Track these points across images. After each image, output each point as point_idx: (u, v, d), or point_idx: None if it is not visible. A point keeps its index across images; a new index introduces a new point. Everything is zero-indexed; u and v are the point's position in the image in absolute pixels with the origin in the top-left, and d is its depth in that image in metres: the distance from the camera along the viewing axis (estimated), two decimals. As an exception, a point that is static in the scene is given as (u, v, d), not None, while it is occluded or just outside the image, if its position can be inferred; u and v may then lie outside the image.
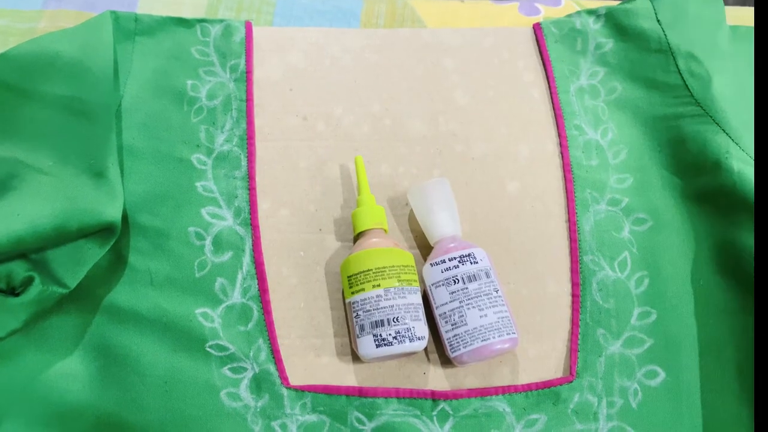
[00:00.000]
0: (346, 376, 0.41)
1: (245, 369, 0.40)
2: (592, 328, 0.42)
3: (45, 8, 0.53)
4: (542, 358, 0.42)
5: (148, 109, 0.46)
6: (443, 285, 0.40)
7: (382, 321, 0.38)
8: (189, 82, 0.48)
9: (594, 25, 0.51)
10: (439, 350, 0.42)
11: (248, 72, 0.49)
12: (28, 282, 0.38)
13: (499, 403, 0.40)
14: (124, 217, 0.42)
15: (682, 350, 0.42)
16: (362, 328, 0.39)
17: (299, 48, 0.51)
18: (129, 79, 0.47)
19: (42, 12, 0.53)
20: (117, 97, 0.46)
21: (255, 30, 0.51)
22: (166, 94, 0.47)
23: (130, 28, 0.49)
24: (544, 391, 0.40)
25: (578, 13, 0.52)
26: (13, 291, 0.38)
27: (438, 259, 0.41)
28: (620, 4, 0.51)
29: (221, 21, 0.50)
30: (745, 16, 0.55)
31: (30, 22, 0.52)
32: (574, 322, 0.42)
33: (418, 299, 0.40)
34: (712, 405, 0.40)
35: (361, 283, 0.39)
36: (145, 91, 0.47)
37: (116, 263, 0.42)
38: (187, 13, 0.53)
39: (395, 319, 0.38)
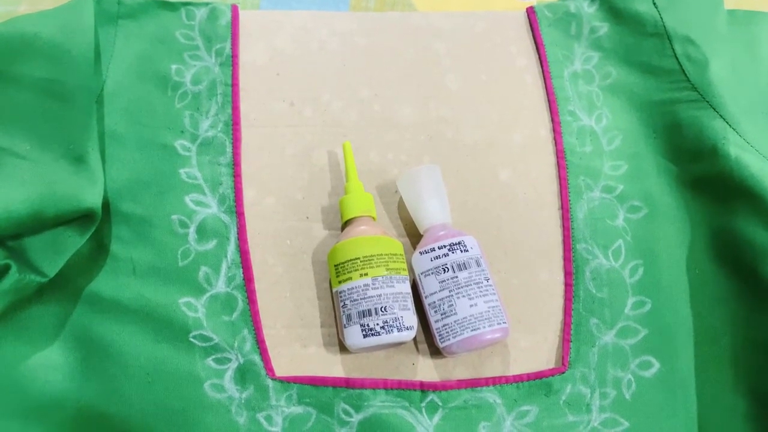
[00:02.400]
0: (333, 367, 0.40)
1: (229, 360, 0.39)
2: (585, 318, 0.41)
3: (26, -9, 0.52)
4: (534, 348, 0.41)
5: (131, 94, 0.45)
6: (432, 274, 0.39)
7: (369, 310, 0.37)
8: (173, 66, 0.47)
9: (588, 9, 0.50)
10: (429, 340, 0.41)
11: (234, 56, 0.47)
12: (4, 270, 0.37)
13: (490, 395, 0.39)
14: (106, 205, 0.42)
15: (677, 340, 0.41)
16: (349, 317, 0.38)
17: (286, 32, 0.50)
18: (111, 63, 0.46)
19: (23, -5, 0.52)
20: (98, 81, 0.45)
21: (241, 13, 0.50)
22: (150, 79, 0.46)
23: (113, 11, 0.47)
24: (536, 382, 0.39)
25: (573, -4, 0.51)
26: (-12, 280, 0.37)
27: (427, 248, 0.40)
28: (616, -14, 0.50)
29: (207, 4, 0.49)
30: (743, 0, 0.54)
31: (9, 5, 0.51)
32: (567, 312, 0.42)
33: (406, 288, 0.39)
34: (707, 396, 0.40)
35: (348, 272, 0.38)
36: (128, 75, 0.46)
37: (97, 252, 0.41)
38: (172, -4, 0.51)
39: (383, 309, 0.37)
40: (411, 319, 0.38)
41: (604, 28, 0.49)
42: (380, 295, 0.38)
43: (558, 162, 0.46)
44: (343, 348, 0.40)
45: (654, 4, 0.48)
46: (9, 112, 0.41)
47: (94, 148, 0.41)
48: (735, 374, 0.40)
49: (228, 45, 0.48)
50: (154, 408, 0.37)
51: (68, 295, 0.40)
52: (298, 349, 0.40)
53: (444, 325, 0.38)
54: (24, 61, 0.42)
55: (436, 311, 0.39)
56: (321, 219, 0.44)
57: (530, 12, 0.51)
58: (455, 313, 0.38)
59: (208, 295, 0.40)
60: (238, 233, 0.42)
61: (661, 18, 0.48)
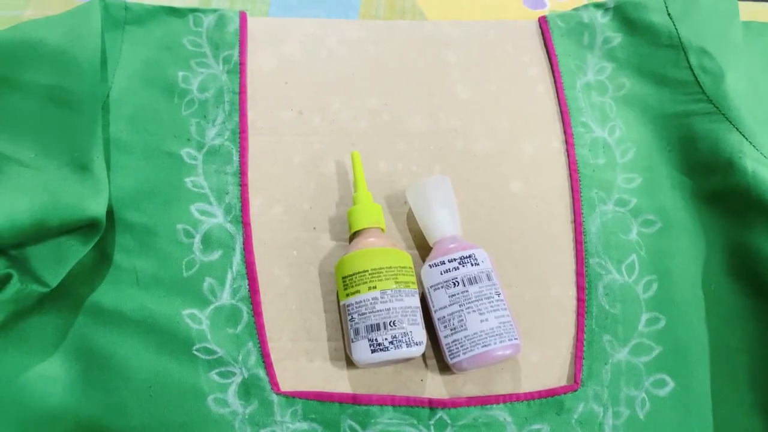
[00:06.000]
0: (340, 382, 0.39)
1: (234, 374, 0.38)
2: (598, 334, 0.40)
3: (32, -4, 0.52)
4: (545, 365, 0.40)
5: (136, 101, 0.45)
6: (442, 287, 0.38)
7: (377, 325, 0.37)
8: (180, 73, 0.46)
9: (602, 19, 0.49)
10: (438, 356, 0.40)
11: (242, 64, 0.47)
12: (5, 279, 0.36)
13: (500, 412, 0.38)
14: (110, 214, 0.41)
15: (692, 358, 0.40)
16: (357, 331, 0.37)
17: (295, 39, 0.49)
18: (117, 70, 0.45)
19: (29, -1, 0.51)
20: (104, 87, 0.44)
21: (249, 20, 0.49)
22: (156, 86, 0.46)
23: (120, 17, 0.47)
24: (547, 399, 0.38)
25: (586, 6, 0.51)
26: (-11, 289, 0.36)
27: (437, 260, 0.39)
28: (629, -4, 0.49)
29: (215, 11, 0.49)
30: (760, 11, 0.53)
31: (15, 10, 0.51)
32: (579, 328, 0.41)
33: (416, 302, 0.38)
34: (724, 416, 0.39)
35: (356, 285, 0.38)
36: (134, 82, 0.45)
37: (100, 261, 0.40)
38: (180, 2, 0.51)
39: (392, 323, 0.37)
40: (420, 334, 0.37)
41: (617, 38, 0.49)
42: (389, 309, 0.37)
43: (570, 174, 0.45)
44: (350, 363, 0.39)
45: (669, 14, 0.47)
46: (13, 119, 0.41)
47: (99, 156, 0.40)
48: (751, 393, 0.39)
49: (236, 52, 0.47)
50: (155, 422, 0.37)
51: (70, 305, 0.39)
52: (303, 363, 0.39)
53: (454, 341, 0.37)
54: (29, 67, 0.42)
55: (445, 326, 0.38)
56: (328, 229, 0.43)
57: (542, 21, 0.50)
58: (465, 329, 0.37)
59: (212, 306, 0.39)
60: (243, 244, 0.41)
61: (676, 29, 0.47)
